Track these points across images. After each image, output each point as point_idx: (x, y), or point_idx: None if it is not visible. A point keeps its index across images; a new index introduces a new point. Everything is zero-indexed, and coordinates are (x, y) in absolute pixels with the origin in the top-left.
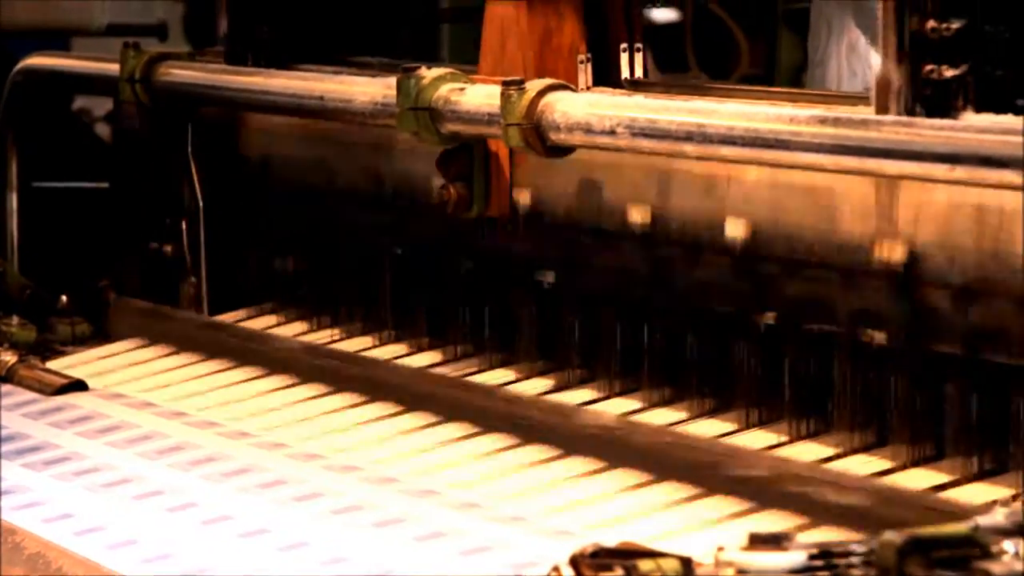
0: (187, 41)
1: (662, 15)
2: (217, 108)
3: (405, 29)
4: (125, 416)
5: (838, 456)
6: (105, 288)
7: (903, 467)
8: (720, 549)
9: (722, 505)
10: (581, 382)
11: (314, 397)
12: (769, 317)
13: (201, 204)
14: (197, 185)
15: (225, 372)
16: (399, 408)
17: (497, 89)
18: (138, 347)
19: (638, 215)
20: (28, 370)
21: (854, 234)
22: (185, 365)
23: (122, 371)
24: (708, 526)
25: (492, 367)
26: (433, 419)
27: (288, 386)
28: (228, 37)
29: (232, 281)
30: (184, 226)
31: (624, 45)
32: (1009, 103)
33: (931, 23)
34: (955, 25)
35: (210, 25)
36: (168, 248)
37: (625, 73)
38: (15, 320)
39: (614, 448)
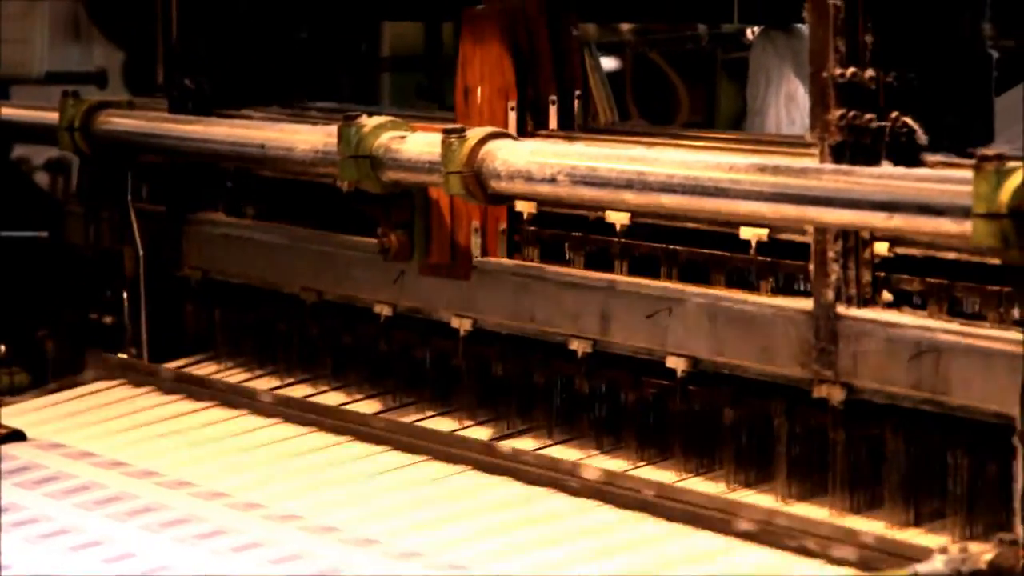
0: (127, 89)
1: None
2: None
3: (346, 76)
4: (63, 467)
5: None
6: (44, 338)
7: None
8: None
9: None
10: (520, 431)
11: (258, 446)
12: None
13: (141, 253)
14: (138, 238)
15: (169, 420)
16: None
17: (438, 137)
18: (79, 396)
19: None
20: None
21: None
22: (129, 413)
23: (61, 421)
24: None
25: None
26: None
27: (235, 434)
28: (168, 85)
29: (172, 331)
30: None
31: (553, 97)
32: (947, 151)
33: (869, 72)
34: (892, 75)
35: (150, 73)
36: (108, 319)
37: (553, 123)
38: None
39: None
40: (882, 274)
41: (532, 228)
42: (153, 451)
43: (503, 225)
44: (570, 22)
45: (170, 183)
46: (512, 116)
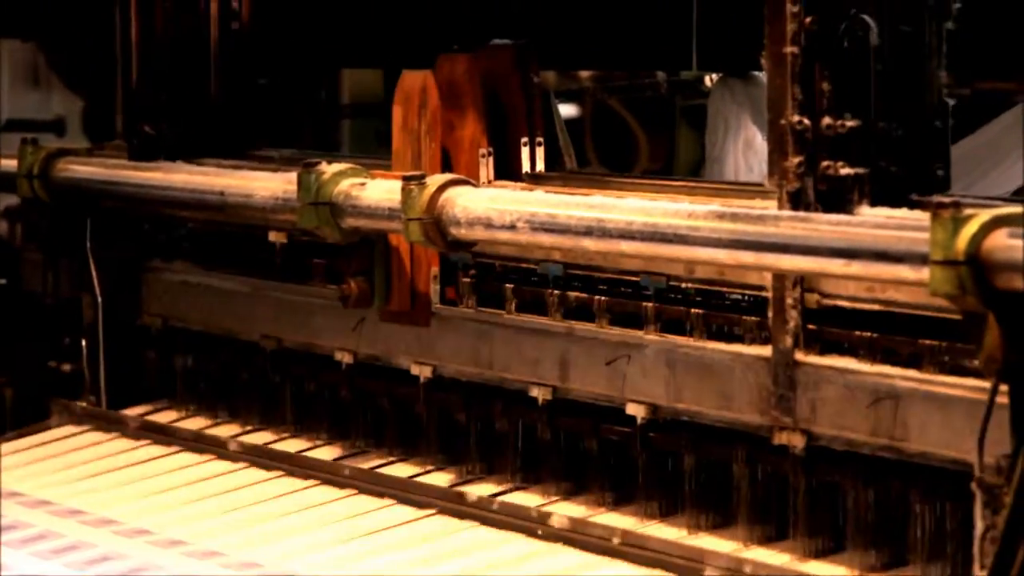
0: (86, 136)
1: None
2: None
3: (306, 123)
4: (20, 516)
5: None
6: (3, 386)
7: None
8: None
9: None
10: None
11: (221, 493)
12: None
13: (100, 300)
14: (96, 285)
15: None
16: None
17: (398, 184)
18: (40, 444)
19: None
20: None
21: None
22: (88, 461)
23: (21, 468)
24: None
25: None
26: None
27: (196, 481)
28: (127, 132)
29: (131, 378)
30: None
31: (525, 140)
32: (903, 198)
33: (827, 120)
34: (850, 123)
35: (109, 120)
36: (67, 367)
37: (526, 167)
38: None
39: None
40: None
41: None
42: (112, 499)
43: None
44: (533, 70)
45: (129, 230)
46: (483, 163)
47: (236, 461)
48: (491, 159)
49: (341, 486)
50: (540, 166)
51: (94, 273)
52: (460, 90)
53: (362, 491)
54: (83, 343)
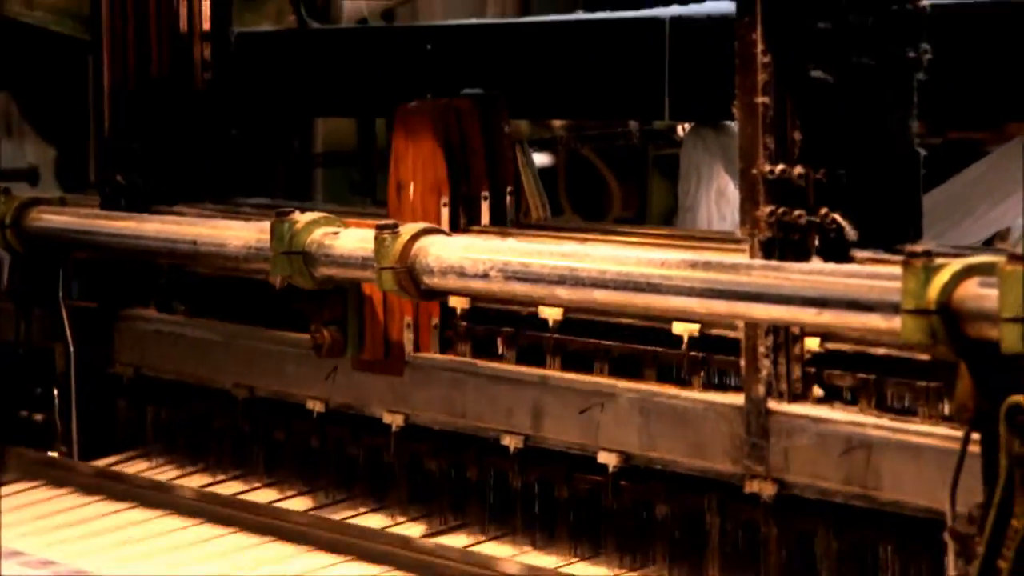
0: (59, 185)
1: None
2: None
3: (280, 172)
4: None
5: None
6: None
7: None
8: None
9: None
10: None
11: (200, 541)
12: None
13: (72, 351)
14: (69, 334)
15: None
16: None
17: (371, 233)
18: (12, 493)
19: None
20: None
21: None
22: (60, 511)
23: None
24: None
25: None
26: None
27: (172, 530)
28: (100, 181)
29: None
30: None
31: (486, 193)
32: (875, 248)
33: (797, 169)
34: (821, 172)
35: (83, 169)
36: (39, 416)
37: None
38: None
39: None
40: (812, 369)
41: (464, 323)
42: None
43: (435, 320)
44: (502, 119)
45: (102, 279)
46: (445, 212)
47: (193, 515)
48: (454, 208)
49: (301, 540)
50: (508, 215)
51: (66, 322)
52: (420, 139)
53: (320, 544)
54: (55, 392)
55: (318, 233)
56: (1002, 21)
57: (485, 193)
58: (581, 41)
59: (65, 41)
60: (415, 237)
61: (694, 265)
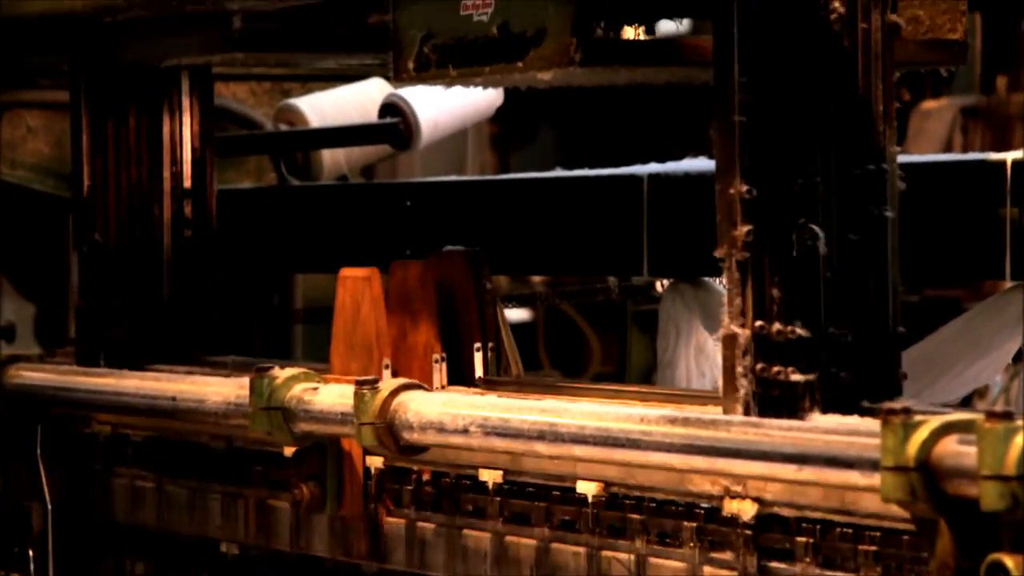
0: (37, 342)
1: (515, 316)
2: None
3: (259, 328)
4: None
5: None
6: None
7: None
8: None
9: None
10: None
11: None
12: None
13: (50, 508)
14: (46, 490)
15: None
16: None
17: (351, 388)
18: None
19: None
20: None
21: None
22: None
23: None
24: None
25: None
26: None
27: None
28: (79, 338)
29: None
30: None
31: (478, 344)
32: (854, 404)
33: (776, 326)
34: (800, 329)
35: (60, 326)
36: None
37: (479, 372)
38: None
39: None
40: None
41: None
42: None
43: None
44: (484, 276)
45: (81, 436)
46: (437, 368)
47: None
48: (444, 364)
49: None
50: (492, 370)
51: (44, 481)
52: (413, 295)
53: None
54: (30, 552)
55: (298, 388)
56: (976, 179)
57: (478, 345)
58: (560, 198)
59: (46, 199)
60: (394, 392)
61: (673, 421)
